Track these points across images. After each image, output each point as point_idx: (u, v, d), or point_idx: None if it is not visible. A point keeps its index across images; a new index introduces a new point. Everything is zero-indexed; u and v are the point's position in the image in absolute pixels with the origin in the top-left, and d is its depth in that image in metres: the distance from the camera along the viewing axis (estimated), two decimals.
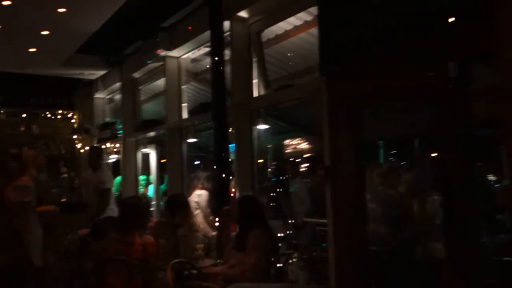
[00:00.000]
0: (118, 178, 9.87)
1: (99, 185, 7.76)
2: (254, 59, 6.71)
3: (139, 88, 10.04)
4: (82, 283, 6.01)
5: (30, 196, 5.49)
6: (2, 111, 11.15)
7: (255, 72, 6.69)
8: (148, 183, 10.00)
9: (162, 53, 8.16)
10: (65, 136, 11.73)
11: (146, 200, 8.61)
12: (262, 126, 6.77)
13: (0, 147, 6.28)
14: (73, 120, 11.83)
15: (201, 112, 7.59)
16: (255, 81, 6.67)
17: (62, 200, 9.66)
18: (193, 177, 7.84)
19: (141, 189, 9.92)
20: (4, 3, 6.81)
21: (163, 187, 9.49)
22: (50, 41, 8.35)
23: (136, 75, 9.80)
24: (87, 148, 11.05)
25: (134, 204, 5.10)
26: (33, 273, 4.47)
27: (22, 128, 11.33)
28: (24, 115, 11.37)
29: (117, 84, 10.36)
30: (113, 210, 7.23)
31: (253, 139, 6.69)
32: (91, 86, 11.39)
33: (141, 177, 9.97)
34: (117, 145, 10.40)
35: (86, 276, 5.42)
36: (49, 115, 11.63)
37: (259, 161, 7.11)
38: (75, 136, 11.64)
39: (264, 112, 6.69)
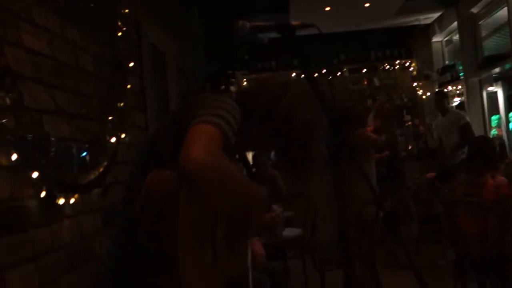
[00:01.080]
0: None
1: (453, 125, 7.71)
2: None
3: (479, 23, 9.31)
4: (433, 226, 5.99)
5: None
6: (345, 69, 11.75)
7: None
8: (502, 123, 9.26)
9: None
10: (405, 84, 11.77)
11: (499, 140, 8.06)
12: None
13: (346, 102, 6.65)
14: (411, 68, 11.76)
15: None
16: None
17: (409, 147, 9.80)
18: None
19: (494, 132, 9.24)
20: None
21: None
22: None
23: (474, 10, 9.08)
24: (428, 94, 10.88)
25: (484, 144, 4.88)
26: (384, 217, 4.62)
27: (365, 82, 11.76)
28: (364, 70, 11.77)
29: (454, 24, 9.82)
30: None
31: None
32: (427, 30, 11.09)
33: (493, 117, 9.28)
34: (459, 87, 9.92)
35: (437, 219, 5.37)
36: (387, 67, 11.78)
37: None
38: (415, 84, 11.58)
39: None
